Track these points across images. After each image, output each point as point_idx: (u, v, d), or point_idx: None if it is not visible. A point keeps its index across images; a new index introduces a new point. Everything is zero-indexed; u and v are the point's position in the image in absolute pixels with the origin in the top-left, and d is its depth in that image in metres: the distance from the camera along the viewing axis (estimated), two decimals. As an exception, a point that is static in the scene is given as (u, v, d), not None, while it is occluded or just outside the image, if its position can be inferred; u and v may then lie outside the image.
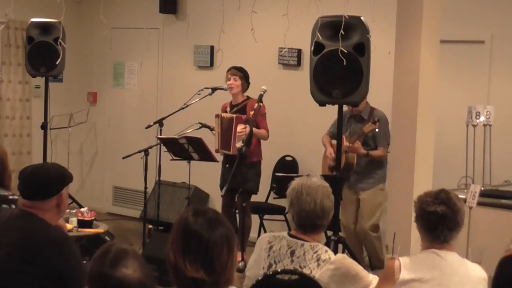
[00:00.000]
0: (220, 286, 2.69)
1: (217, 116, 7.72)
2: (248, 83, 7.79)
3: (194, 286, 2.67)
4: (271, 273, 3.74)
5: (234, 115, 7.57)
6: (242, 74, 7.73)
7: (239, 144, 7.39)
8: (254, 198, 7.94)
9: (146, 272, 2.50)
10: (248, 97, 7.74)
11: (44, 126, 8.10)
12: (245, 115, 7.53)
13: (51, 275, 3.41)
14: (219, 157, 7.72)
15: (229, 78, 7.74)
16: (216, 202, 8.97)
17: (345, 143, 7.09)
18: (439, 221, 3.62)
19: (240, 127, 7.46)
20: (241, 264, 7.01)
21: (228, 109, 7.80)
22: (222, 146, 7.64)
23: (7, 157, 4.77)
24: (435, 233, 3.64)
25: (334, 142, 7.40)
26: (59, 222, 3.91)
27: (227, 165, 7.64)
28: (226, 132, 7.58)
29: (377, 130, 6.93)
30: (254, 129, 7.28)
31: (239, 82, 7.71)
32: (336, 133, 7.37)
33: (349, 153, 7.14)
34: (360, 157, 7.15)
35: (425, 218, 3.65)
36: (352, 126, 7.30)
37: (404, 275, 3.61)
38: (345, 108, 7.12)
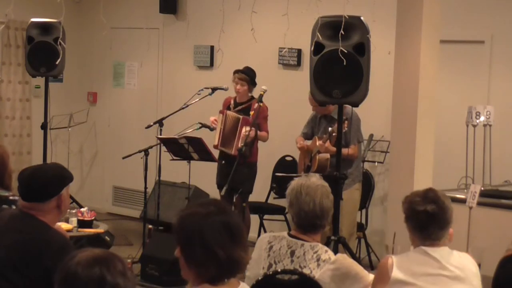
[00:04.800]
0: None
1: (221, 112, 7.72)
2: (255, 84, 7.80)
3: None
4: (271, 273, 3.74)
5: (241, 116, 7.56)
6: (249, 78, 7.74)
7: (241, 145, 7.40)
8: (254, 198, 7.94)
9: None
10: (253, 97, 7.75)
11: (44, 126, 8.10)
12: (249, 116, 7.54)
13: (48, 278, 3.39)
14: (217, 153, 7.71)
15: (236, 82, 7.75)
16: (216, 202, 8.95)
17: (318, 142, 7.05)
18: (429, 220, 3.62)
19: (245, 129, 7.46)
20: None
21: (232, 105, 7.80)
22: (223, 143, 7.64)
23: (8, 157, 4.76)
24: (426, 232, 3.64)
25: (308, 142, 7.40)
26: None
27: (223, 162, 7.65)
28: (229, 131, 7.58)
29: (346, 129, 6.75)
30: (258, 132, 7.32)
31: (245, 87, 7.75)
32: (310, 134, 7.41)
33: (321, 154, 7.04)
34: (333, 156, 6.97)
35: (415, 217, 3.66)
36: (323, 126, 7.23)
37: (396, 273, 3.61)
38: (316, 109, 7.11)
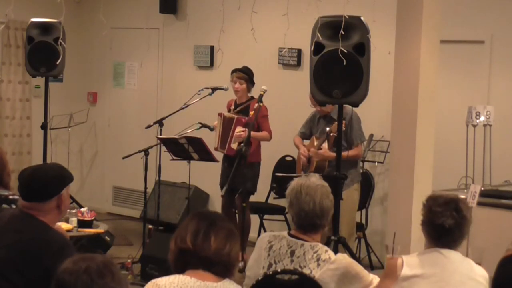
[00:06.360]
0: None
1: (219, 114, 7.76)
2: (253, 83, 7.82)
3: None
4: (271, 273, 3.74)
5: (235, 116, 7.59)
6: (247, 77, 7.77)
7: (234, 146, 7.42)
8: (254, 198, 7.94)
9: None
10: (252, 97, 7.77)
11: (44, 126, 8.09)
12: (246, 117, 7.55)
13: (47, 278, 3.39)
14: (219, 156, 7.74)
15: (234, 81, 7.77)
16: (216, 202, 8.97)
17: (315, 143, 7.02)
18: (444, 233, 3.64)
19: (238, 129, 7.48)
20: (241, 264, 7.01)
21: (233, 107, 7.85)
22: (221, 145, 7.68)
23: (5, 155, 4.76)
24: (439, 241, 3.67)
25: (307, 142, 7.40)
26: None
27: (226, 164, 7.68)
28: (225, 132, 7.62)
29: (344, 128, 6.64)
30: (254, 132, 7.30)
31: (244, 85, 7.77)
32: (308, 134, 7.38)
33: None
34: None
35: (431, 227, 3.67)
36: (322, 126, 7.21)
37: (406, 271, 3.63)
38: (316, 108, 7.11)
